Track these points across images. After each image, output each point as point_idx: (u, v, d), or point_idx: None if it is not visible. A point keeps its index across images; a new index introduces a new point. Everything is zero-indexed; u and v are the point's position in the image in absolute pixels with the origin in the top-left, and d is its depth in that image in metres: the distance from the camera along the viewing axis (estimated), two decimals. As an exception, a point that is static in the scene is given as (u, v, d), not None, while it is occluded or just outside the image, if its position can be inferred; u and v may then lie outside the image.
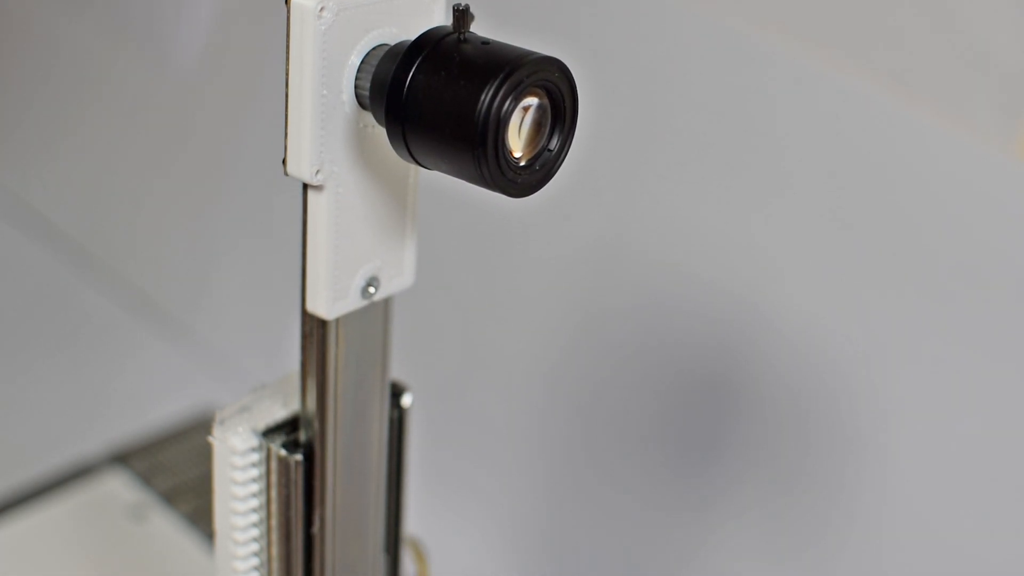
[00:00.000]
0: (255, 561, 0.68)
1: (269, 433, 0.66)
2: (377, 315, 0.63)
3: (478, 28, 0.55)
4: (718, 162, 0.96)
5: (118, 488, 1.07)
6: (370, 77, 0.56)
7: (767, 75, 0.92)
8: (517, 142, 0.55)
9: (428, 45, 0.54)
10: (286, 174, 0.57)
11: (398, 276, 0.62)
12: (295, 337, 0.64)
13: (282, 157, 0.57)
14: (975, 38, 0.85)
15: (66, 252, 1.41)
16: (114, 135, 1.39)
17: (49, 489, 1.07)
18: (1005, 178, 0.85)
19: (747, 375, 0.96)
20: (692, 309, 0.98)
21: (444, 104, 0.53)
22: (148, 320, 1.34)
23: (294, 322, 0.65)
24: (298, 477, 0.65)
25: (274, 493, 0.66)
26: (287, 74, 0.55)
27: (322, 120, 0.56)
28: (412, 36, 0.55)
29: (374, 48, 0.56)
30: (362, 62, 0.56)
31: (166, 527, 1.04)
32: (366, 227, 0.60)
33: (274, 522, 0.67)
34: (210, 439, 0.66)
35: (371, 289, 0.61)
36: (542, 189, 0.57)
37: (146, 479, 1.08)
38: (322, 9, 0.54)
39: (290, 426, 0.66)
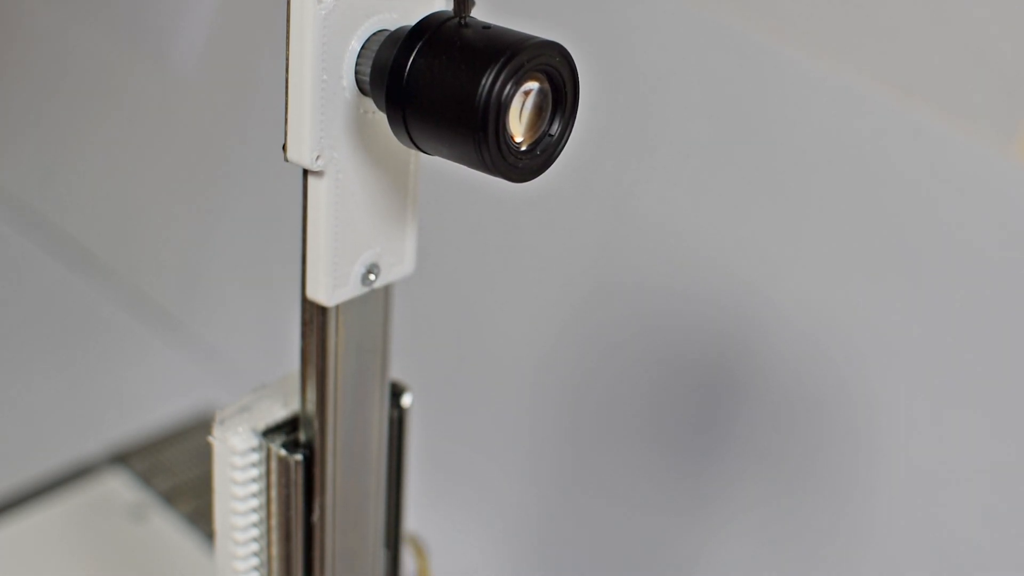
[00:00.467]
0: (255, 561, 0.68)
1: (269, 433, 0.66)
2: (377, 303, 0.63)
3: (479, 13, 0.55)
4: (718, 158, 0.96)
5: (118, 488, 1.07)
6: (370, 62, 0.56)
7: (767, 74, 0.92)
8: (518, 127, 0.55)
9: (429, 30, 0.54)
10: (286, 160, 0.57)
11: (398, 263, 0.62)
12: (295, 337, 0.64)
13: (282, 143, 0.57)
14: (975, 38, 0.85)
15: (66, 252, 1.41)
16: (114, 135, 1.39)
17: (49, 489, 1.07)
18: (1005, 178, 0.85)
19: (749, 372, 0.96)
20: (693, 305, 0.98)
21: (445, 89, 0.53)
22: (149, 320, 1.34)
23: (294, 322, 0.65)
24: (298, 477, 0.65)
25: (274, 493, 0.66)
26: (287, 59, 0.55)
27: (322, 105, 0.56)
28: (413, 21, 0.55)
29: (374, 33, 0.56)
30: (362, 47, 0.56)
31: (166, 527, 1.04)
32: (366, 214, 0.60)
33: (274, 522, 0.67)
34: (210, 439, 0.66)
35: (371, 276, 0.61)
36: (543, 179, 0.57)
37: (146, 479, 1.08)
38: (323, -6, 0.54)
39: (290, 426, 0.66)
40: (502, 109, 0.53)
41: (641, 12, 0.97)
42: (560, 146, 0.56)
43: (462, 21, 0.54)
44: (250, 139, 1.25)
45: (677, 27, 0.96)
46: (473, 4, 0.55)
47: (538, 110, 0.55)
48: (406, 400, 0.69)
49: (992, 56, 0.84)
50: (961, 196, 0.86)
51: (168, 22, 1.30)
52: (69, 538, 1.02)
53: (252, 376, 1.15)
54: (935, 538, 0.90)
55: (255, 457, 0.66)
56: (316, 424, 0.64)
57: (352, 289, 0.61)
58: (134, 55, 1.34)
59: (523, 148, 0.55)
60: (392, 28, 0.57)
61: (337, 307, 0.61)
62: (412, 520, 0.80)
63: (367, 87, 0.56)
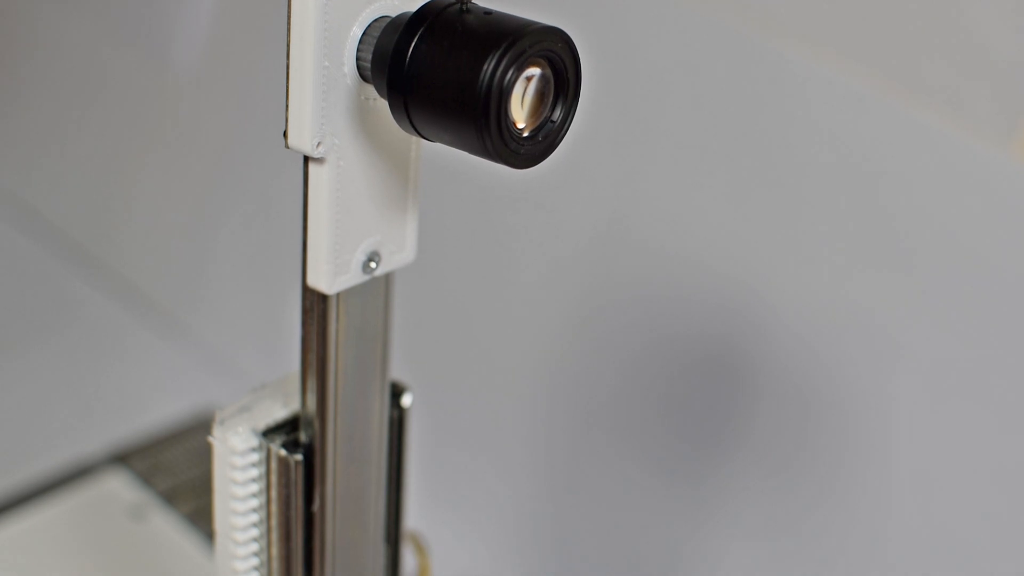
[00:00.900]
0: (255, 561, 0.68)
1: (269, 433, 0.66)
2: (378, 291, 0.63)
3: (480, -1, 0.55)
4: (718, 157, 0.96)
5: (118, 488, 1.07)
6: (372, 49, 0.56)
7: (767, 74, 0.93)
8: (520, 112, 0.55)
9: (430, 16, 0.54)
10: (287, 147, 0.57)
11: (399, 251, 0.62)
12: (295, 337, 0.64)
13: (283, 130, 0.57)
14: (975, 37, 0.85)
15: (67, 252, 1.41)
16: (114, 134, 1.39)
17: (49, 489, 1.07)
18: (1005, 178, 0.85)
19: (749, 371, 0.96)
20: (694, 304, 0.98)
21: (447, 75, 0.53)
22: (149, 320, 1.34)
23: (295, 322, 0.65)
24: (298, 477, 0.65)
25: (274, 493, 0.66)
26: (288, 45, 0.55)
27: (323, 92, 0.56)
28: (414, 7, 0.55)
29: (376, 20, 0.56)
30: (364, 34, 0.56)
31: (166, 527, 1.04)
32: (367, 201, 0.60)
33: (274, 522, 0.67)
34: (210, 439, 0.66)
35: (372, 264, 0.61)
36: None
37: (146, 479, 1.08)
38: (324, -20, 0.55)
39: (290, 426, 0.66)
40: (504, 95, 0.53)
41: (641, 9, 0.98)
42: (562, 132, 0.56)
43: (464, 7, 0.54)
44: (251, 139, 1.25)
45: (678, 25, 0.96)
46: None
47: (540, 96, 0.55)
48: (406, 400, 0.69)
49: (992, 56, 0.84)
50: (961, 196, 0.86)
51: (168, 19, 1.30)
52: (69, 538, 1.02)
53: (252, 376, 1.16)
54: (935, 537, 0.90)
55: (255, 457, 0.66)
56: (316, 415, 0.64)
57: (353, 277, 0.61)
58: (134, 53, 1.34)
59: (525, 134, 0.55)
60: (393, 14, 0.57)
61: (338, 295, 0.61)
62: (412, 518, 0.80)
63: (368, 74, 0.56)
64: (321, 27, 0.55)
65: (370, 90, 0.57)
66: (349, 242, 0.60)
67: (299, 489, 0.65)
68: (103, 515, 1.05)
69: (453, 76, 0.53)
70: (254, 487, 0.66)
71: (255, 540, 0.68)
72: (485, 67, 0.53)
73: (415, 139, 0.60)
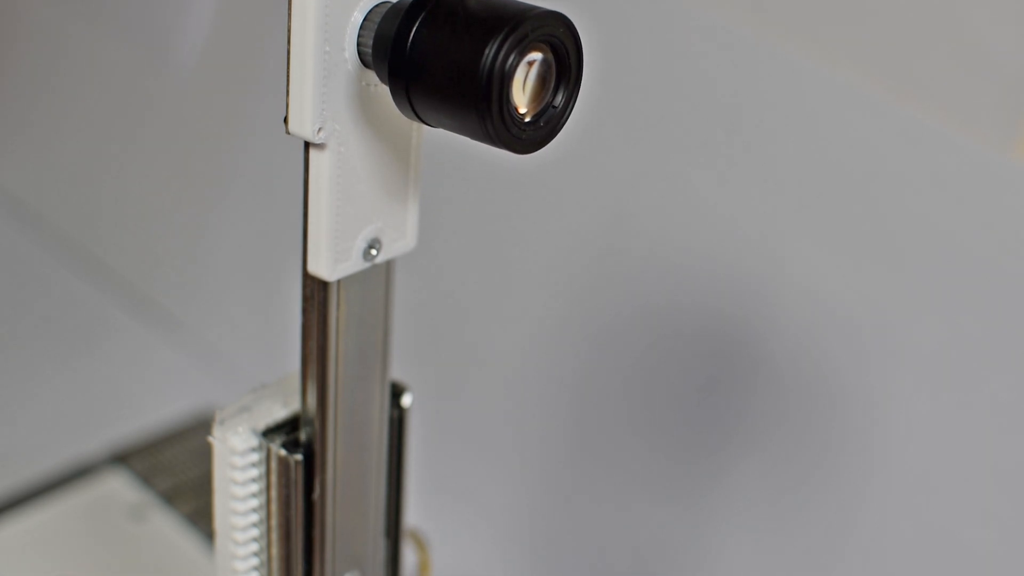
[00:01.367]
0: (255, 561, 0.68)
1: (269, 433, 0.66)
2: (379, 278, 0.63)
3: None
4: (719, 156, 0.96)
5: (118, 488, 1.07)
6: (373, 34, 0.56)
7: (767, 74, 0.93)
8: (522, 98, 0.55)
9: (431, 1, 0.54)
10: (287, 132, 0.57)
11: (400, 239, 0.62)
12: (295, 337, 0.64)
13: (283, 116, 0.57)
14: (975, 38, 0.85)
15: (66, 252, 1.41)
16: (114, 134, 1.39)
17: (49, 489, 1.07)
18: (1005, 178, 0.85)
19: (749, 370, 0.96)
20: (695, 302, 0.98)
21: (448, 60, 0.53)
22: (149, 320, 1.34)
23: (295, 322, 0.65)
24: (298, 477, 0.65)
25: (274, 493, 0.66)
26: (289, 31, 0.56)
27: (324, 77, 0.56)
28: (415, -8, 0.55)
29: (377, 5, 0.56)
30: (365, 19, 0.56)
31: (166, 527, 1.04)
32: (368, 188, 0.60)
33: (274, 522, 0.67)
34: (210, 439, 0.66)
35: (373, 251, 0.61)
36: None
37: (146, 479, 1.08)
38: (325, -35, 0.55)
39: (290, 426, 0.66)
40: (506, 79, 0.53)
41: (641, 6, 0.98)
42: (564, 118, 0.56)
43: (465, -8, 0.54)
44: (251, 138, 1.25)
45: (681, 15, 0.96)
46: None
47: (542, 81, 0.55)
48: (406, 400, 0.69)
49: (992, 56, 0.85)
50: (961, 196, 0.86)
51: (168, 19, 1.30)
52: (69, 538, 1.02)
53: (252, 376, 1.16)
54: (935, 537, 0.90)
55: (255, 457, 0.66)
56: (316, 402, 0.64)
57: (354, 264, 0.60)
58: (134, 53, 1.34)
59: (527, 120, 0.55)
60: (394, 0, 0.57)
61: (339, 283, 0.61)
62: (412, 516, 0.80)
63: (369, 59, 0.56)
64: (322, 12, 0.55)
65: (371, 76, 0.57)
66: (350, 229, 0.60)
67: (299, 489, 0.65)
68: (103, 515, 1.05)
69: (455, 61, 0.53)
70: (254, 487, 0.66)
71: (255, 540, 0.68)
72: (487, 52, 0.53)
73: (416, 125, 0.60)
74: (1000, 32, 0.84)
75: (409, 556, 0.77)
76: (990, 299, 0.86)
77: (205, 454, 1.07)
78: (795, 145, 0.92)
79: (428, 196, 0.82)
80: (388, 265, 0.63)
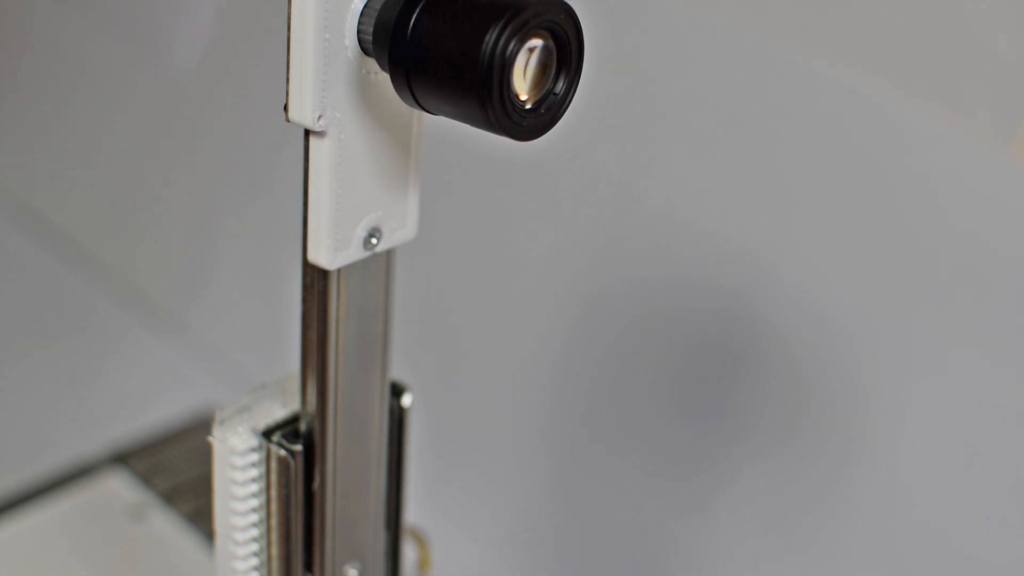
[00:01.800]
0: (255, 561, 0.68)
1: (269, 433, 0.66)
2: (379, 268, 0.63)
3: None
4: (720, 156, 0.96)
5: (118, 488, 1.07)
6: (373, 22, 0.56)
7: (767, 74, 0.93)
8: (522, 84, 0.55)
9: (432, -13, 0.55)
10: (287, 120, 0.57)
11: (401, 228, 0.62)
12: (295, 337, 0.64)
13: (284, 104, 0.57)
14: (975, 38, 0.85)
15: (66, 251, 1.41)
16: (114, 133, 1.39)
17: (49, 489, 1.06)
18: (1005, 178, 0.85)
19: (749, 368, 0.96)
20: (696, 302, 0.98)
21: (448, 46, 0.53)
22: (149, 320, 1.34)
23: (295, 323, 0.64)
24: (298, 477, 0.65)
25: (274, 493, 0.66)
26: (289, 18, 0.56)
27: (324, 65, 0.56)
28: (415, -21, 0.55)
29: (377, -8, 0.57)
30: (365, 6, 0.56)
31: (166, 527, 1.04)
32: (369, 176, 0.59)
33: (274, 522, 0.67)
34: (210, 439, 0.65)
35: (373, 240, 0.61)
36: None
37: (146, 479, 1.08)
38: (325, -48, 0.55)
39: (290, 426, 0.66)
40: (506, 66, 0.53)
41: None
42: (565, 105, 0.56)
43: (465, -21, 0.54)
44: (251, 138, 1.25)
45: (684, 6, 0.96)
46: None
47: (543, 68, 0.55)
48: (406, 400, 0.69)
49: (992, 56, 0.85)
50: (960, 196, 0.86)
51: (169, 18, 1.30)
52: (69, 538, 1.02)
53: (252, 376, 1.16)
54: (936, 535, 0.90)
55: (255, 457, 0.65)
56: (316, 395, 0.64)
57: (354, 253, 0.60)
58: (134, 52, 1.34)
59: (528, 106, 0.55)
60: (394, -14, 0.57)
61: (339, 272, 0.61)
62: (412, 512, 0.80)
63: (370, 47, 0.56)
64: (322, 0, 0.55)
65: (371, 63, 0.57)
66: (350, 217, 0.59)
67: (299, 484, 0.65)
68: (103, 515, 1.05)
69: (455, 48, 0.53)
70: (254, 487, 0.66)
71: (255, 540, 0.68)
72: (487, 38, 0.53)
73: (417, 113, 0.60)
74: (1000, 32, 0.84)
75: (409, 553, 0.76)
76: (990, 299, 0.86)
77: (205, 454, 1.07)
78: (794, 145, 0.92)
79: (428, 187, 0.82)
80: (388, 254, 0.63)
